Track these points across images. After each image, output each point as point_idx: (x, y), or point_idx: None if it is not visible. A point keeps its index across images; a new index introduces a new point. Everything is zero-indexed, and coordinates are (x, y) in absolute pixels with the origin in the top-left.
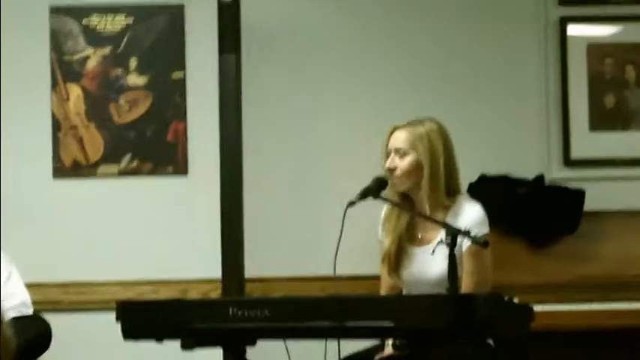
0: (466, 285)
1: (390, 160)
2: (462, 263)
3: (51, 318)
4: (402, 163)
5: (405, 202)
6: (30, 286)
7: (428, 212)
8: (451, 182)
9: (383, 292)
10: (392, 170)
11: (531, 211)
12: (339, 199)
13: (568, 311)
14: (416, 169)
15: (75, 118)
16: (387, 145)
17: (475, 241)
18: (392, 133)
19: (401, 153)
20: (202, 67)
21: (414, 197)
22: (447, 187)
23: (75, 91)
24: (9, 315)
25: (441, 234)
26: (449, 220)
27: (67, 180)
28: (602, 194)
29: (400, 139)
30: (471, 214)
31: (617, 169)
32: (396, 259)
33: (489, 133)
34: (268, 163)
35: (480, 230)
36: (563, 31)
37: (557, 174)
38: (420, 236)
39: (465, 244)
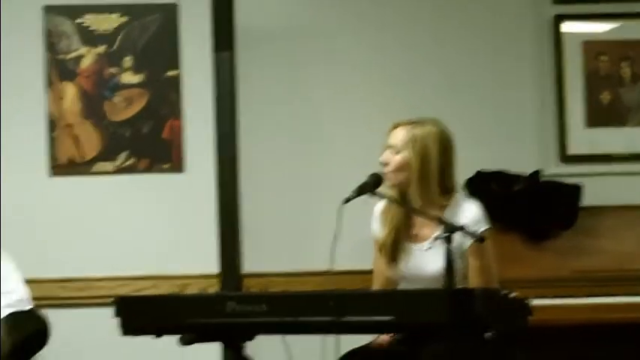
0: (474, 284)
1: (384, 154)
2: (463, 261)
3: (49, 314)
4: (394, 160)
5: (401, 199)
6: (28, 282)
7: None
8: (446, 182)
9: (376, 286)
10: (384, 165)
11: (528, 207)
12: (336, 195)
13: (566, 305)
14: (405, 167)
15: (70, 117)
16: (387, 140)
17: (472, 236)
18: (393, 129)
19: (395, 149)
20: (197, 65)
21: (407, 194)
22: (440, 187)
23: (70, 90)
24: (5, 312)
25: (436, 231)
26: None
27: (64, 177)
28: (598, 190)
29: (397, 136)
30: (469, 212)
31: (613, 165)
32: (393, 250)
33: (486, 130)
34: (265, 160)
35: (480, 227)
36: (558, 28)
37: (553, 170)
38: (415, 233)
39: (466, 243)
